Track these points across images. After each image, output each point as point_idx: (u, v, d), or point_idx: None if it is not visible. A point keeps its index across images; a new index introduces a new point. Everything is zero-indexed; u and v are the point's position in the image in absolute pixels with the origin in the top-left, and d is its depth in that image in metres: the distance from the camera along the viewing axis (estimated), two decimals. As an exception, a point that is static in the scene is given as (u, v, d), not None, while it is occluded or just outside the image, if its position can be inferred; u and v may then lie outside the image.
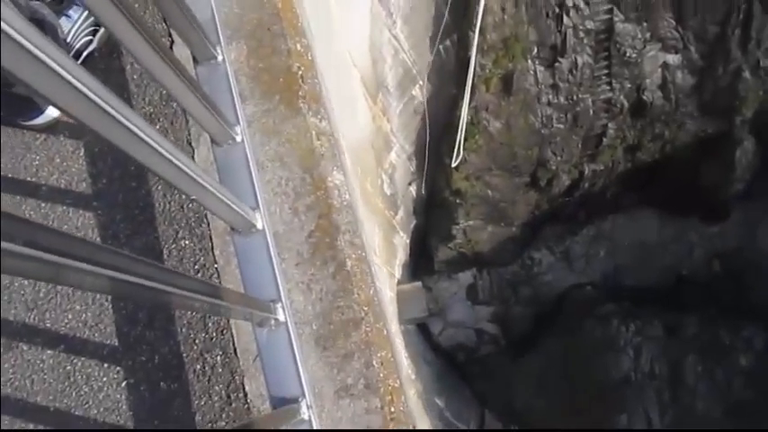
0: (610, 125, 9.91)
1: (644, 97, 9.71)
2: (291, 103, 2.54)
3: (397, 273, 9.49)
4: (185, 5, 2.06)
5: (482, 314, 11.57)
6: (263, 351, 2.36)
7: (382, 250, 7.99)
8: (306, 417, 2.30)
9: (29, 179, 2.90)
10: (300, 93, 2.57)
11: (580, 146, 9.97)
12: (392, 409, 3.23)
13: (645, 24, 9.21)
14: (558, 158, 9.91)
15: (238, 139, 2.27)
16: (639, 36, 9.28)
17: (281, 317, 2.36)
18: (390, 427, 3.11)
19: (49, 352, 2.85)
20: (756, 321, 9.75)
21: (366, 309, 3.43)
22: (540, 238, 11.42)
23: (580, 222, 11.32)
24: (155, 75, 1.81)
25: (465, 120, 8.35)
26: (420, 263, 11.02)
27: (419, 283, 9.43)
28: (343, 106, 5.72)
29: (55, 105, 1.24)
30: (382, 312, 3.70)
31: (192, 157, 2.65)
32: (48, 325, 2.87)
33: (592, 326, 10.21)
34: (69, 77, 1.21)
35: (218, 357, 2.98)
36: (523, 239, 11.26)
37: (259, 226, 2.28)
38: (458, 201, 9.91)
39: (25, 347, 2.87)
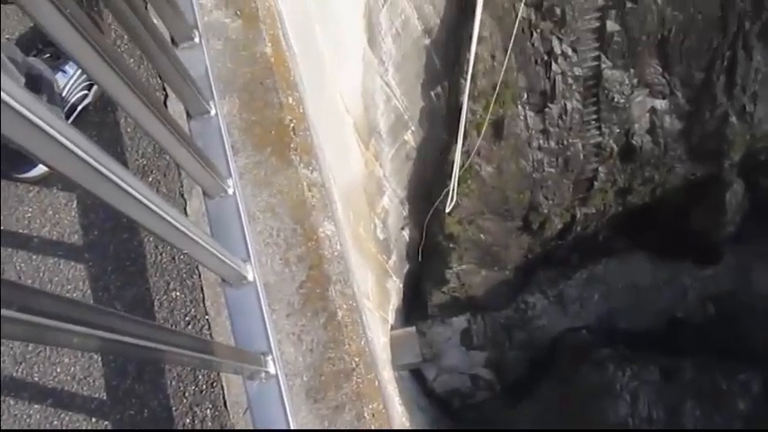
0: (600, 169, 10.03)
1: (633, 141, 9.86)
2: (283, 154, 2.57)
3: (391, 318, 9.43)
4: (179, 62, 2.11)
5: (477, 359, 11.43)
6: (253, 404, 2.34)
7: (375, 295, 7.95)
8: (296, 472, 2.27)
9: (21, 231, 2.91)
10: (292, 145, 2.61)
11: (571, 189, 10.07)
12: (384, 463, 3.18)
13: (632, 71, 9.41)
14: (550, 202, 9.99)
15: (230, 191, 2.30)
16: (627, 82, 9.48)
17: (271, 369, 2.35)
18: (383, 480, 3.07)
19: (36, 406, 2.80)
20: (753, 365, 9.71)
21: (357, 360, 3.41)
22: (533, 281, 11.40)
23: (573, 266, 11.33)
24: (147, 130, 1.84)
25: (458, 165, 8.43)
26: (414, 307, 10.93)
27: (413, 329, 9.36)
28: (335, 152, 5.78)
29: (46, 164, 1.27)
30: (374, 362, 3.67)
31: (185, 209, 2.66)
32: (36, 378, 2.84)
33: (588, 371, 10.13)
34: (61, 138, 1.24)
35: (208, 411, 2.94)
36: (517, 283, 11.24)
37: (250, 278, 2.29)
38: (451, 245, 9.92)
39: (12, 402, 2.82)
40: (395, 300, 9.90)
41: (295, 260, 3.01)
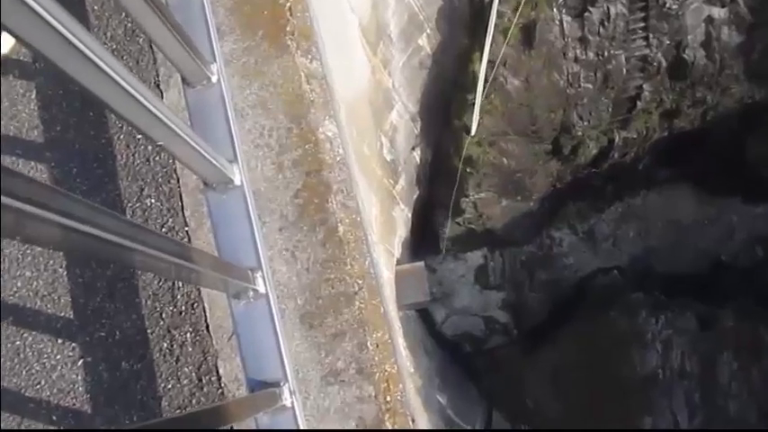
0: (645, 86, 9.82)
1: (684, 56, 9.61)
2: (277, 39, 2.48)
3: (396, 251, 9.47)
4: None
5: (492, 300, 11.60)
6: (239, 327, 2.34)
7: (380, 224, 7.96)
8: (288, 403, 2.28)
9: (-30, 124, 2.85)
10: (288, 28, 2.51)
11: (610, 109, 9.90)
12: (388, 398, 3.22)
13: (689, -29, 9.09)
14: (585, 123, 9.84)
15: (214, 79, 2.23)
16: (682, -16, 9.16)
17: (260, 288, 2.34)
18: (386, 419, 3.11)
19: (-7, 324, 2.82)
20: (802, 315, 9.79)
21: (360, 282, 3.41)
22: (561, 214, 11.40)
23: (608, 198, 11.29)
24: (120, 0, 1.76)
25: (483, 77, 8.27)
26: (423, 240, 10.97)
27: (421, 264, 9.39)
28: (336, 56, 5.64)
29: (9, 31, 1.20)
30: (379, 288, 3.68)
31: (161, 102, 2.60)
32: (-7, 293, 2.84)
33: (616, 316, 10.23)
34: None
35: (188, 335, 2.96)
36: (542, 216, 11.24)
37: (237, 181, 2.25)
38: (468, 170, 9.86)
39: (-34, 319, 2.84)
40: (402, 231, 9.92)
41: (290, 165, 2.97)
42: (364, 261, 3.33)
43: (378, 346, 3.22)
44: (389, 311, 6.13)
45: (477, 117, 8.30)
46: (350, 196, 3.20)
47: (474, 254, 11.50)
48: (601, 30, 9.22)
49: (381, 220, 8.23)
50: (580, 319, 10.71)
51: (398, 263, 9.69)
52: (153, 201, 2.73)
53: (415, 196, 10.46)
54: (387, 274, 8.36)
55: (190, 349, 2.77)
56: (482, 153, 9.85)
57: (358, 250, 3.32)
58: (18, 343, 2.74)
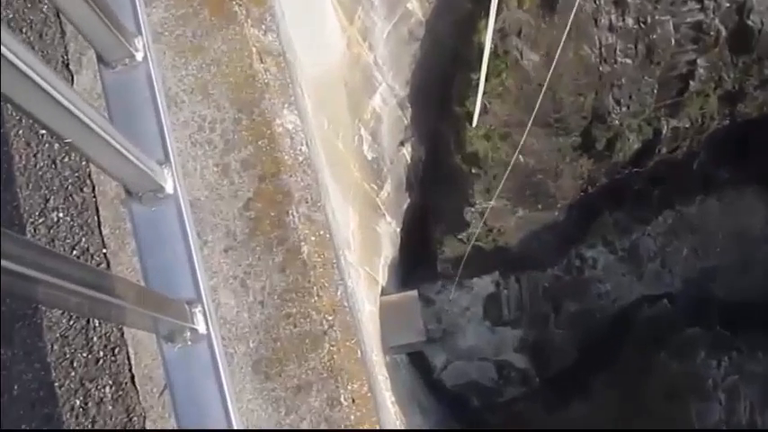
0: (699, 62, 9.93)
1: (749, 22, 9.72)
2: (221, 5, 2.50)
3: (381, 277, 9.47)
4: None
5: (507, 340, 11.65)
6: (173, 379, 2.33)
7: (359, 243, 7.97)
8: (240, 479, 2.30)
9: None
10: (235, -9, 2.54)
11: (655, 91, 9.98)
12: (368, 471, 3.26)
13: None
14: (624, 110, 9.91)
15: (139, 57, 2.23)
16: (745, -69, 9.31)
17: (200, 327, 2.34)
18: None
19: None
20: None
21: (330, 318, 3.42)
22: (594, 227, 11.46)
23: (654, 206, 11.37)
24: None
25: (489, 49, 8.31)
26: (416, 263, 11.10)
27: (414, 293, 9.37)
28: (300, 25, 5.65)
29: None
30: (356, 325, 3.69)
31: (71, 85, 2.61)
32: None
33: (667, 359, 10.28)
34: None
35: (107, 389, 2.95)
36: (570, 230, 11.37)
37: (169, 189, 2.24)
38: (474, 170, 9.89)
39: None
40: (388, 250, 9.90)
41: (238, 167, 2.97)
42: (336, 291, 3.35)
43: (354, 400, 3.24)
44: (370, 356, 6.14)
45: (481, 102, 8.30)
46: (317, 207, 3.22)
47: (482, 280, 11.54)
48: (643, -12, 9.34)
49: (361, 238, 8.22)
50: (620, 364, 10.75)
51: (384, 292, 9.66)
52: (61, 215, 2.73)
53: (404, 206, 10.47)
54: (368, 308, 8.36)
55: (110, 408, 2.77)
56: (491, 149, 9.87)
57: (327, 277, 3.35)
58: None
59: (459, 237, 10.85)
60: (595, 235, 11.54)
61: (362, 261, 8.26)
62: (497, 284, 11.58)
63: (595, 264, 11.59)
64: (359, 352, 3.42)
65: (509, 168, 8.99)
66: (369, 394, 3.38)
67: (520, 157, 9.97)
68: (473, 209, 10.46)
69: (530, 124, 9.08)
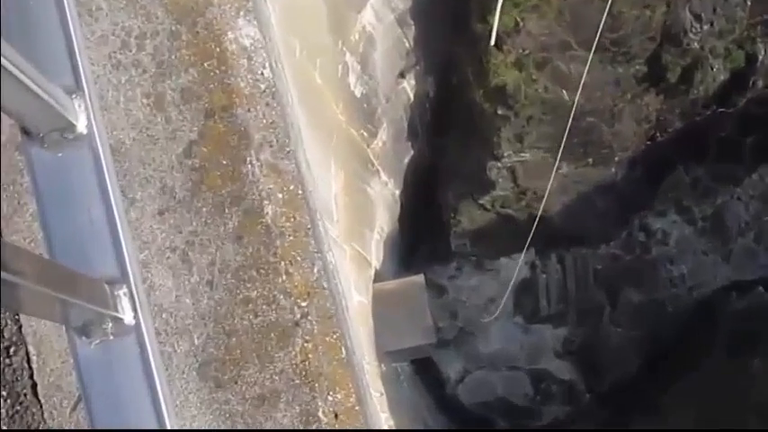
0: (809, -40, 9.90)
1: None
2: None
3: (375, 257, 9.48)
4: None
5: (545, 342, 11.78)
6: (90, 388, 2.34)
7: (344, 210, 7.98)
8: None
9: None
10: None
11: (749, 2, 9.94)
12: None
13: None
14: (705, 27, 9.87)
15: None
16: None
17: (126, 316, 2.35)
18: None
19: None
20: None
21: (305, 305, 3.43)
22: (664, 189, 11.54)
23: (746, 160, 11.41)
24: None
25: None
26: (422, 237, 11.26)
27: (420, 279, 9.38)
28: None
29: None
30: (339, 316, 3.70)
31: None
32: None
33: (765, 367, 10.30)
34: None
35: (3, 401, 2.97)
36: (632, 192, 11.42)
37: (81, 128, 2.23)
38: (500, 110, 9.85)
39: None
40: (384, 220, 9.87)
41: (177, 98, 2.97)
42: (311, 267, 3.37)
43: (337, 416, 3.27)
44: (360, 361, 6.16)
45: (502, 12, 8.25)
46: (284, 153, 3.23)
47: (512, 260, 11.52)
48: None
49: (347, 204, 8.21)
50: (701, 374, 10.76)
51: (379, 278, 9.64)
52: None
53: (406, 160, 10.51)
54: (356, 299, 8.35)
55: (4, 424, 2.80)
56: (525, 81, 9.83)
57: (300, 248, 3.36)
58: None
59: (481, 202, 10.92)
60: (666, 199, 11.53)
61: (349, 235, 8.24)
62: (533, 267, 11.64)
63: (666, 238, 11.59)
64: (343, 351, 3.44)
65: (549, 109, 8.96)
66: (357, 408, 3.41)
67: (563, 92, 9.95)
68: (499, 164, 10.45)
69: (575, 47, 9.04)
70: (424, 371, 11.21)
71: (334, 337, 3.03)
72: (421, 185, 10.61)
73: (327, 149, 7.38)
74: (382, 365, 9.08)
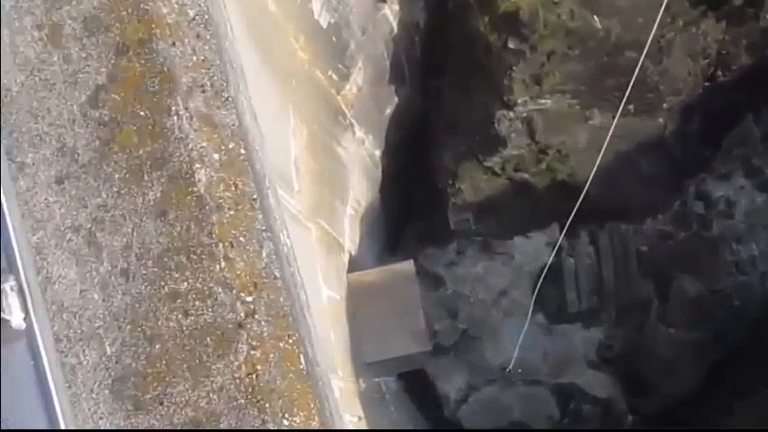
0: None
1: None
2: None
3: (349, 238, 9.50)
4: None
5: (575, 348, 11.82)
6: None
7: (309, 176, 7.98)
8: None
9: None
10: None
11: None
12: None
13: None
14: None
15: None
16: None
17: (14, 317, 2.38)
18: None
19: None
20: None
21: (251, 300, 3.45)
22: (728, 145, 11.41)
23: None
24: None
25: None
26: (411, 211, 11.32)
27: (409, 266, 9.38)
28: None
29: None
30: (296, 313, 3.71)
31: None
32: None
33: None
34: None
35: None
36: (685, 149, 11.51)
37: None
38: (512, 44, 9.85)
39: None
40: (361, 189, 9.87)
41: (78, 29, 2.95)
42: (260, 250, 3.39)
43: (297, 443, 3.30)
44: (325, 375, 6.14)
45: None
46: (222, 100, 3.25)
47: (530, 240, 11.74)
48: None
49: (311, 166, 8.22)
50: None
51: (355, 264, 9.67)
52: None
53: (388, 110, 10.55)
54: (326, 294, 8.38)
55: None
56: (543, 4, 9.89)
57: (245, 225, 3.39)
58: None
59: (488, 164, 10.94)
60: (731, 158, 11.53)
61: (315, 210, 8.26)
62: (558, 249, 11.38)
63: (731, 209, 11.58)
64: (301, 359, 3.47)
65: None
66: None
67: (593, 18, 9.97)
68: (512, 113, 10.48)
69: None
70: (416, 388, 11.29)
71: (290, 341, 3.05)
72: (409, 144, 10.61)
73: (284, 97, 7.37)
74: (361, 381, 9.08)
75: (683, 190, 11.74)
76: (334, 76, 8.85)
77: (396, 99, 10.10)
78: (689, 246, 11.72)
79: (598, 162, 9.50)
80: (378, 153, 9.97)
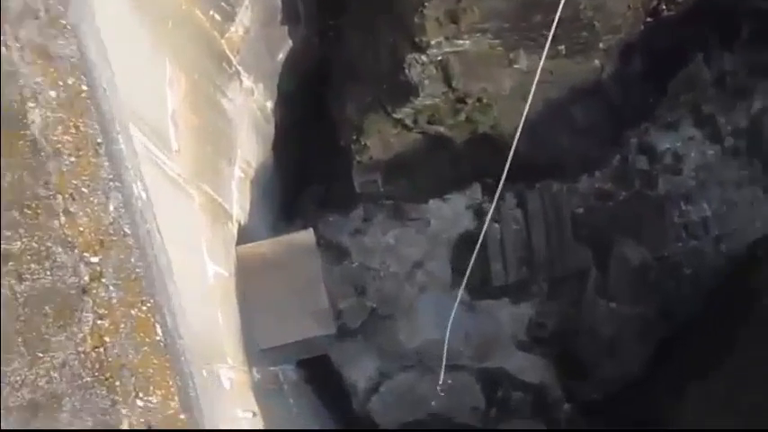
0: None
1: None
2: None
3: (238, 204, 9.46)
4: None
5: (501, 327, 11.87)
6: None
7: (187, 132, 7.91)
8: None
9: None
10: None
11: None
12: None
13: None
14: None
15: None
16: None
17: None
18: None
19: None
20: None
21: (96, 260, 3.40)
22: (674, 90, 11.54)
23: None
24: None
25: None
26: (309, 172, 11.36)
27: (309, 235, 9.36)
28: None
29: None
30: (153, 274, 3.67)
31: None
32: None
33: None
34: None
35: None
36: (624, 96, 11.56)
37: None
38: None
39: None
40: (250, 149, 9.83)
41: None
42: (106, 204, 3.35)
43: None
44: (189, 349, 6.04)
45: None
46: (60, 30, 3.20)
47: (448, 203, 11.79)
48: None
49: (191, 121, 8.14)
50: (734, 367, 10.83)
51: (245, 235, 9.63)
52: None
53: (281, 55, 10.45)
54: (212, 270, 8.32)
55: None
56: None
57: (88, 175, 3.34)
58: None
59: (398, 116, 10.94)
60: (678, 105, 11.61)
61: (197, 172, 8.18)
62: (479, 213, 11.61)
63: (679, 163, 11.67)
64: (158, 329, 3.44)
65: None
66: (182, 416, 3.42)
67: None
68: (424, 57, 10.47)
69: None
70: (319, 377, 11.24)
71: (144, 309, 3.01)
72: (306, 94, 10.60)
73: (159, 41, 7.32)
74: (255, 371, 9.02)
75: (624, 143, 11.84)
76: (217, 16, 8.78)
77: (289, 42, 10.08)
78: (631, 207, 11.79)
79: (525, 112, 9.47)
80: (269, 105, 9.93)
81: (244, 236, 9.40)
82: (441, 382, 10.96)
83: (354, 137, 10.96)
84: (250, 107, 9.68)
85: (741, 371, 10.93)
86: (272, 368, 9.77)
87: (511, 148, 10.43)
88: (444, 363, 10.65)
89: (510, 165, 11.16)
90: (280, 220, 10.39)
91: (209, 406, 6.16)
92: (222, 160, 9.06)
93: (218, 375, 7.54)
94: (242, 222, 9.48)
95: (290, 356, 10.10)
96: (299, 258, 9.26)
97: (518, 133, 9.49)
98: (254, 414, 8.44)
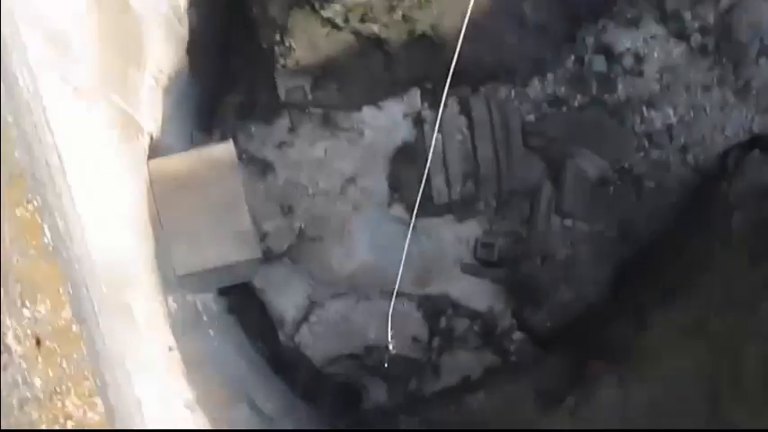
0: None
1: None
2: None
3: (150, 114, 9.54)
4: None
5: (444, 247, 12.11)
6: None
7: (92, 35, 8.01)
8: None
9: None
10: None
11: None
12: None
13: None
14: None
15: None
16: None
17: None
18: None
19: None
20: None
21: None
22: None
23: None
24: None
25: None
26: (228, 78, 11.56)
27: (228, 148, 9.44)
28: None
29: None
30: (40, 169, 3.85)
31: None
32: None
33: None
34: None
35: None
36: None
37: None
38: None
39: None
40: (162, 53, 9.88)
41: None
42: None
43: (41, 343, 3.51)
44: (81, 259, 6.20)
45: None
46: None
47: (382, 110, 11.91)
48: None
49: (97, 22, 8.22)
50: (705, 291, 11.02)
51: (158, 149, 9.70)
52: None
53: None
54: (121, 186, 8.44)
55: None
56: None
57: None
58: None
59: (327, 14, 11.12)
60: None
61: (103, 80, 8.27)
62: (419, 122, 11.82)
63: (641, 65, 11.94)
64: (46, 231, 3.63)
65: None
66: (75, 329, 3.64)
67: None
68: None
69: None
70: (243, 307, 11.41)
71: (30, 208, 3.24)
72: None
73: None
74: (171, 300, 9.15)
75: (579, 41, 11.94)
76: None
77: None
78: (588, 113, 11.93)
79: (470, 8, 9.63)
80: (183, 3, 10.04)
81: (157, 150, 9.44)
82: (390, 338, 11.01)
83: (278, 38, 11.04)
84: (161, 5, 9.76)
85: (715, 292, 11.08)
86: (189, 297, 9.83)
87: (454, 49, 10.60)
88: (393, 305, 10.76)
89: (450, 66, 11.34)
90: (197, 132, 10.48)
91: (111, 326, 6.25)
92: (130, 66, 9.09)
93: (127, 304, 7.57)
94: (154, 135, 9.53)
95: (209, 284, 10.27)
96: (218, 174, 9.32)
97: (462, 33, 9.53)
98: (171, 348, 8.54)
